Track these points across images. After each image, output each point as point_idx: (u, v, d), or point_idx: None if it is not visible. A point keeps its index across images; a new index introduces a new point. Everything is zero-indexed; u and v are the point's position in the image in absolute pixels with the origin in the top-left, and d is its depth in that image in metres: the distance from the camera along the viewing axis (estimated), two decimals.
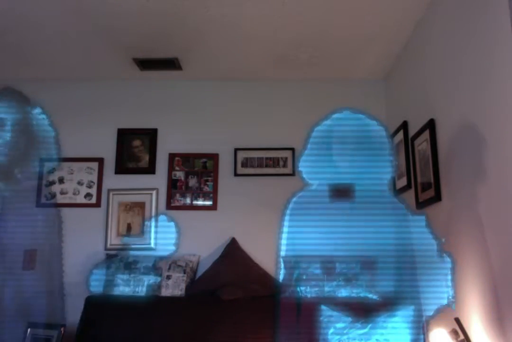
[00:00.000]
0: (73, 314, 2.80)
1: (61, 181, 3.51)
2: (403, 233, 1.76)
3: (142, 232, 3.42)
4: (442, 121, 2.46)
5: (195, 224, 3.39)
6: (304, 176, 1.84)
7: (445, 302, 1.66)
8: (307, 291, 1.73)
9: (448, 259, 1.69)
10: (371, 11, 2.69)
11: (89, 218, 3.44)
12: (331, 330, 1.63)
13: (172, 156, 3.55)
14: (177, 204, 3.49)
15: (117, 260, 3.13)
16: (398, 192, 3.07)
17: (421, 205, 2.67)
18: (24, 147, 1.98)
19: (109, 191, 3.49)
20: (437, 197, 2.43)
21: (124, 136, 3.57)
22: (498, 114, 1.87)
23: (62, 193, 3.48)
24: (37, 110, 2.07)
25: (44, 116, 2.09)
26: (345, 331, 1.62)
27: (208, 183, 3.52)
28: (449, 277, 1.66)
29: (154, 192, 3.49)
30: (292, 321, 1.73)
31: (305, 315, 1.70)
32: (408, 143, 2.94)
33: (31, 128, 2.02)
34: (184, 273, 3.06)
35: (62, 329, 2.53)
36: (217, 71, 3.53)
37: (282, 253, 1.84)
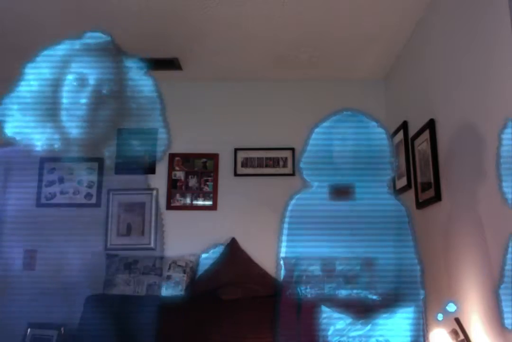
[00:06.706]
0: (73, 314, 2.79)
1: (61, 180, 3.50)
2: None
3: (142, 232, 3.41)
4: (442, 121, 2.46)
5: (195, 224, 3.39)
6: (304, 175, 1.84)
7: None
8: (307, 291, 1.72)
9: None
10: (371, 11, 2.69)
11: (89, 218, 3.43)
12: (331, 330, 1.63)
13: (172, 156, 3.55)
14: (177, 204, 3.49)
15: (117, 260, 3.13)
16: (398, 192, 3.07)
17: (421, 205, 2.67)
18: (114, 117, 1.44)
19: (109, 191, 3.49)
20: (437, 197, 2.43)
21: (124, 136, 3.57)
22: (498, 114, 1.87)
23: (62, 193, 3.48)
24: (136, 65, 1.45)
25: (144, 75, 1.48)
26: (345, 331, 1.62)
27: (208, 183, 3.52)
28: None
29: (154, 192, 3.48)
30: (292, 321, 1.73)
31: (305, 315, 1.70)
32: (408, 143, 2.94)
33: (125, 91, 1.45)
34: (184, 273, 3.06)
35: (62, 329, 2.52)
36: (217, 71, 3.53)
37: (282, 253, 1.84)
